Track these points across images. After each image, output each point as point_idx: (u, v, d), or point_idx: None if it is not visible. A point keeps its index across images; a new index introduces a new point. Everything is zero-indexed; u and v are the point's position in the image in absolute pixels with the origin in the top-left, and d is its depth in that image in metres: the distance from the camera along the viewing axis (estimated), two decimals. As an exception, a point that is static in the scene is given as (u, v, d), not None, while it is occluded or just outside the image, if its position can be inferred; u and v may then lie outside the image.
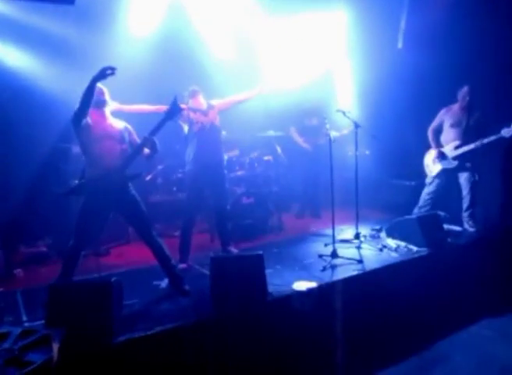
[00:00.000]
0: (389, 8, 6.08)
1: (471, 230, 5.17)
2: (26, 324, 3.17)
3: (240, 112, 4.97)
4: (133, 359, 2.88)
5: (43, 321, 2.93)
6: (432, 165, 5.41)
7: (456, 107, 5.27)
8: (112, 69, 3.21)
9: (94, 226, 3.59)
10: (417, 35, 5.98)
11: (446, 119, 5.30)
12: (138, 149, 3.62)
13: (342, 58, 6.97)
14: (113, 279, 3.04)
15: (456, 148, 5.18)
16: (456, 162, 5.20)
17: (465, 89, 5.13)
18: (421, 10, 5.93)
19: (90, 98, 3.34)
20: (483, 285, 4.49)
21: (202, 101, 4.58)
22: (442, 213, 5.33)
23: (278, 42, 6.38)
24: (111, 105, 3.79)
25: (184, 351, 3.08)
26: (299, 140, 6.46)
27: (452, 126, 5.23)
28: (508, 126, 4.75)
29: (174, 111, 3.62)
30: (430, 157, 5.45)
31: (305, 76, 6.40)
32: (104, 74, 3.24)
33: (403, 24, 6.06)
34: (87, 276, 3.86)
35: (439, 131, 5.41)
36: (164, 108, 4.32)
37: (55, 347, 2.52)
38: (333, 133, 4.79)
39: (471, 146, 5.04)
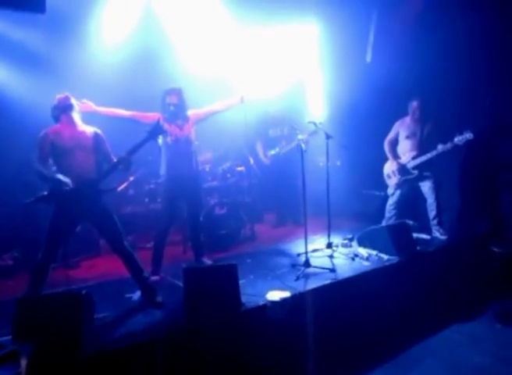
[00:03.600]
0: (359, 23, 6.25)
1: (442, 237, 5.30)
2: (-7, 340, 3.07)
3: (214, 123, 4.97)
4: (103, 373, 2.82)
5: (10, 336, 2.83)
6: (392, 176, 5.58)
7: (408, 119, 5.50)
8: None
9: (64, 237, 3.52)
10: (385, 49, 6.18)
11: (401, 131, 5.52)
12: (113, 167, 3.59)
13: (313, 70, 7.09)
14: (83, 291, 2.99)
15: (414, 158, 5.37)
16: (416, 172, 5.38)
17: (415, 103, 5.39)
18: (388, 25, 6.13)
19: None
20: (452, 291, 4.63)
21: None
22: (410, 222, 5.46)
23: (250, 53, 6.44)
24: (83, 107, 3.77)
25: (157, 363, 3.03)
26: (260, 153, 6.54)
27: (407, 137, 5.45)
28: (461, 133, 4.97)
29: (157, 132, 3.65)
30: (390, 168, 5.62)
31: (277, 86, 6.48)
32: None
33: (371, 38, 6.24)
34: (56, 289, 3.75)
35: (395, 143, 5.62)
36: (139, 114, 4.36)
37: (23, 362, 2.46)
38: (300, 137, 4.87)
39: (428, 155, 5.24)
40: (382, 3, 6.08)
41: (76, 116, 3.62)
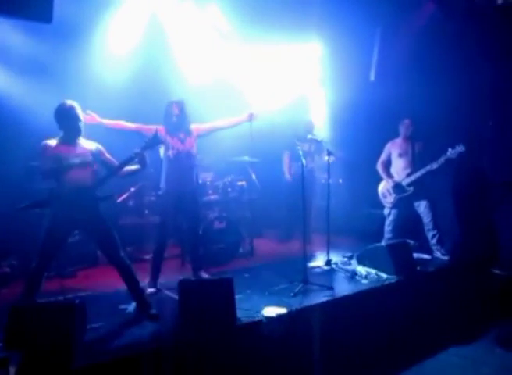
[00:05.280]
0: (363, 43, 6.34)
1: (443, 257, 5.27)
2: (-17, 347, 3.03)
3: (217, 136, 4.99)
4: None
5: (1, 343, 2.80)
6: (388, 195, 5.59)
7: (399, 140, 5.60)
8: None
9: (58, 246, 3.50)
10: (388, 68, 6.25)
11: (393, 151, 5.60)
12: (121, 166, 3.61)
13: (315, 86, 7.15)
14: (76, 301, 2.96)
15: (408, 175, 5.39)
16: (411, 189, 5.40)
17: (407, 121, 5.48)
18: (391, 46, 6.22)
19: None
20: (451, 312, 4.56)
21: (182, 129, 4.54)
22: (411, 242, 5.44)
23: (253, 68, 6.50)
24: (87, 118, 3.80)
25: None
26: (285, 167, 6.51)
27: (400, 155, 5.52)
28: (453, 147, 5.00)
29: (153, 143, 3.69)
30: (385, 187, 5.64)
31: (280, 101, 6.52)
32: None
33: (375, 58, 6.32)
34: (50, 298, 3.73)
35: (387, 164, 5.68)
36: (144, 127, 4.39)
37: (12, 370, 2.42)
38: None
39: (422, 171, 5.28)
40: (384, 22, 6.18)
41: (78, 127, 3.61)
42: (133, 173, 3.77)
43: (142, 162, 3.69)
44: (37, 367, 2.59)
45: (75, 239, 5.04)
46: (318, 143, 5.26)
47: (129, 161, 3.61)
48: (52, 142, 3.52)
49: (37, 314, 2.84)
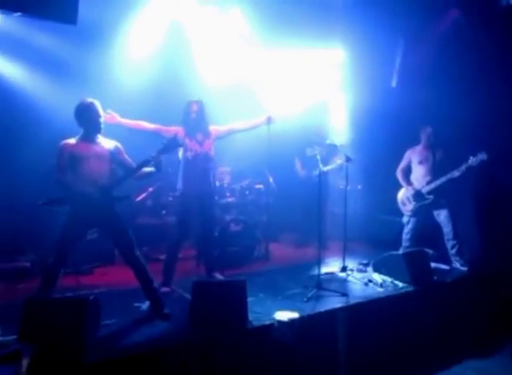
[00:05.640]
0: (385, 49, 6.28)
1: (462, 269, 5.15)
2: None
3: (234, 139, 5.02)
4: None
5: (15, 336, 2.87)
6: (408, 203, 5.50)
7: (419, 147, 5.50)
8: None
9: (75, 242, 3.56)
10: (410, 75, 6.19)
11: (414, 158, 5.51)
12: (138, 168, 3.66)
13: (336, 91, 7.12)
14: (90, 297, 3.01)
15: (428, 183, 5.30)
16: (431, 197, 5.30)
17: (429, 129, 5.38)
18: (414, 52, 6.17)
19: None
20: (467, 325, 4.46)
21: (200, 131, 4.57)
22: (430, 251, 5.35)
23: (274, 72, 6.51)
24: (107, 118, 3.86)
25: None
26: (299, 168, 6.53)
27: (420, 162, 5.43)
28: (474, 155, 4.90)
29: (172, 146, 3.71)
30: (404, 195, 5.55)
31: (302, 105, 6.52)
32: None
33: (397, 64, 6.26)
34: (66, 293, 3.80)
35: (407, 171, 5.59)
36: (163, 128, 4.44)
37: (25, 362, 2.47)
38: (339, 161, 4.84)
39: (443, 179, 5.17)
40: (408, 30, 6.12)
41: (98, 126, 3.67)
42: (148, 175, 3.79)
43: (157, 166, 3.70)
44: (48, 360, 2.63)
45: (93, 236, 5.10)
46: (335, 148, 5.22)
47: (145, 164, 3.64)
48: (71, 141, 3.59)
49: (50, 308, 2.91)
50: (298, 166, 6.57)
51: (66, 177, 3.49)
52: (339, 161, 5.96)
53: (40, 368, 2.55)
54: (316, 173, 6.12)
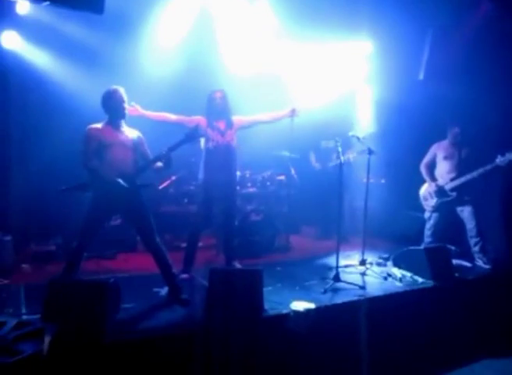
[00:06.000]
0: (413, 42, 6.16)
1: (485, 266, 5.06)
2: (24, 317, 3.25)
3: (257, 130, 5.03)
4: (121, 361, 2.91)
5: (39, 315, 3.00)
6: (430, 198, 5.41)
7: (446, 142, 5.39)
8: None
9: (98, 227, 3.67)
10: (438, 69, 6.05)
11: (439, 153, 5.40)
12: (151, 162, 3.71)
13: (364, 83, 7.04)
14: (111, 280, 3.11)
15: (452, 179, 5.20)
16: (454, 194, 5.21)
17: (456, 130, 5.26)
18: (443, 45, 6.02)
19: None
20: (487, 324, 4.38)
21: (223, 120, 4.58)
22: (452, 247, 5.27)
23: (301, 63, 6.47)
24: (131, 110, 3.93)
25: (172, 358, 3.10)
26: (313, 161, 6.55)
27: (445, 158, 5.32)
28: (503, 154, 4.78)
29: (193, 136, 3.73)
30: (427, 190, 5.46)
31: (326, 97, 6.48)
32: None
33: (425, 57, 6.14)
34: (89, 277, 3.93)
35: (432, 166, 5.49)
36: (186, 119, 4.49)
37: (47, 340, 2.57)
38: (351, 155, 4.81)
39: (468, 177, 5.06)
40: (437, 23, 5.97)
41: (122, 114, 3.75)
42: (159, 170, 3.82)
43: (167, 163, 3.73)
44: (69, 339, 2.74)
45: (116, 223, 5.25)
46: (349, 141, 5.19)
47: (157, 159, 3.68)
48: (97, 126, 3.67)
49: (72, 290, 3.02)
50: (312, 158, 6.57)
51: (93, 163, 3.57)
52: (351, 155, 5.92)
53: (61, 346, 2.65)
54: (332, 164, 6.16)
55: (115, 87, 3.71)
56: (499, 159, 4.82)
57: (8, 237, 4.53)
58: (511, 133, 5.38)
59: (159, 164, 3.76)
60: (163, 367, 3.06)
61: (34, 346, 2.51)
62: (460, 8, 5.69)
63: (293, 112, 4.76)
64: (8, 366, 2.29)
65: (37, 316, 3.06)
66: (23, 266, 4.58)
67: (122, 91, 3.71)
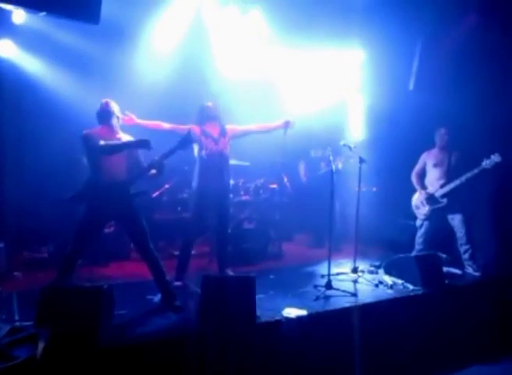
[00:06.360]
0: (404, 52, 6.28)
1: (475, 274, 5.12)
2: (17, 323, 3.24)
3: (251, 139, 5.08)
4: (114, 366, 2.92)
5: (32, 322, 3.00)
6: (422, 207, 5.49)
7: (435, 150, 5.49)
8: (149, 144, 3.47)
9: (92, 234, 3.69)
10: (428, 79, 6.17)
11: (428, 161, 5.50)
12: (145, 169, 3.74)
13: (355, 92, 7.13)
14: (105, 286, 3.12)
15: (442, 186, 5.28)
16: (444, 201, 5.28)
17: (442, 130, 5.38)
18: (432, 56, 6.14)
19: (119, 151, 3.60)
20: (477, 330, 4.43)
21: (216, 128, 4.65)
22: (443, 255, 5.33)
23: (293, 71, 6.56)
24: (125, 120, 3.96)
25: (165, 364, 3.11)
26: (301, 172, 6.64)
27: (435, 165, 5.41)
28: (488, 157, 4.88)
29: (186, 142, 3.74)
30: (418, 199, 5.54)
31: (318, 105, 6.56)
32: (141, 146, 3.53)
33: (415, 67, 6.25)
34: (83, 283, 3.93)
35: (422, 174, 5.58)
36: (180, 127, 4.53)
37: (41, 345, 2.58)
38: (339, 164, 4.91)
39: (457, 182, 5.15)
40: (426, 32, 6.10)
41: (115, 122, 3.80)
42: (152, 178, 3.85)
43: (159, 169, 3.76)
44: (63, 344, 2.75)
45: (110, 230, 5.26)
46: (339, 150, 5.27)
47: (151, 166, 3.71)
48: (93, 130, 3.71)
49: (66, 296, 3.03)
50: (302, 170, 6.66)
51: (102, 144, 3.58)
52: (340, 164, 6.02)
53: (55, 351, 2.66)
54: (321, 172, 6.25)
55: (104, 100, 3.76)
56: (485, 162, 4.92)
57: (1, 245, 4.53)
58: (499, 140, 5.49)
59: (153, 171, 3.78)
60: (156, 373, 3.07)
61: (28, 351, 2.51)
62: (447, 20, 5.82)
63: (286, 124, 4.79)
64: (3, 372, 2.30)
65: (31, 323, 3.06)
66: (15, 273, 4.57)
67: (111, 102, 3.77)
